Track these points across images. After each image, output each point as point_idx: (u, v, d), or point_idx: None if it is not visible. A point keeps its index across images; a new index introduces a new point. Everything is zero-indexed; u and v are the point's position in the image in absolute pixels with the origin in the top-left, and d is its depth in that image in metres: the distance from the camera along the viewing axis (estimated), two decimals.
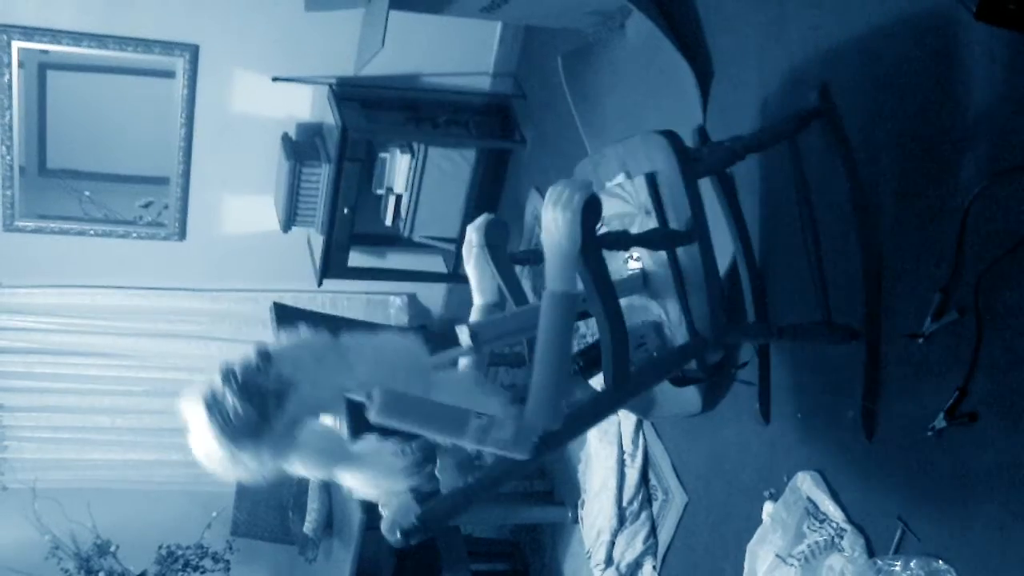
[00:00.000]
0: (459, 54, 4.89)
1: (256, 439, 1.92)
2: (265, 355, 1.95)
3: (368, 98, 4.81)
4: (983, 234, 2.26)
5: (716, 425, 3.27)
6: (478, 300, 2.39)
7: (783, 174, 2.79)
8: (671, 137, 2.33)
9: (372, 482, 2.07)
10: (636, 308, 2.44)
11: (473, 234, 2.34)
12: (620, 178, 2.45)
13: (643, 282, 2.44)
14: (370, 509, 3.80)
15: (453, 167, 4.79)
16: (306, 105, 4.90)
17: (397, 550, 4.18)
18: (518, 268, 2.50)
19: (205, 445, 1.93)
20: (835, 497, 2.73)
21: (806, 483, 2.81)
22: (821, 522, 2.74)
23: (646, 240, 2.33)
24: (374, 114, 4.79)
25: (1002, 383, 2.21)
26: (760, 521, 2.97)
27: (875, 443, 2.59)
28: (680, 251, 2.32)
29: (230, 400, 1.90)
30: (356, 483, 2.08)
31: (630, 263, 2.48)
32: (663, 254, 2.35)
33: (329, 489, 4.26)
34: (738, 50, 3.20)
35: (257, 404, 1.91)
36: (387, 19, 3.69)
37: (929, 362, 2.41)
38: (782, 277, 2.94)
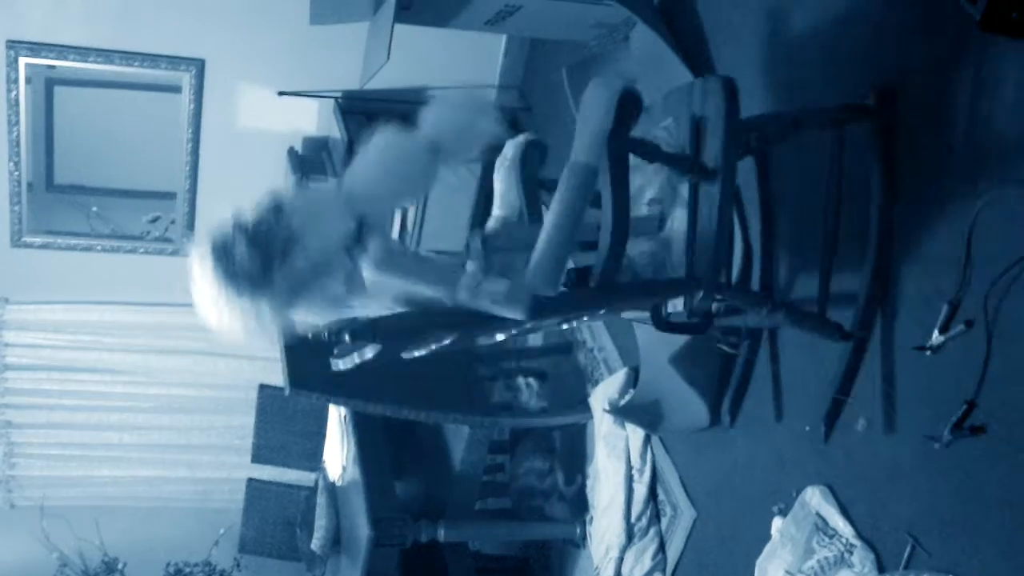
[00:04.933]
0: (464, 67, 4.88)
1: (257, 289, 1.92)
2: (277, 206, 1.95)
3: (374, 111, 4.80)
4: (991, 246, 2.23)
5: (724, 440, 3.24)
6: (497, 212, 2.39)
7: (807, 167, 2.76)
8: (727, 81, 2.32)
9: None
10: (644, 252, 2.42)
11: (511, 149, 2.35)
12: (668, 121, 2.43)
13: (658, 226, 2.42)
14: (378, 525, 3.77)
15: (459, 180, 4.75)
16: (312, 119, 4.90)
17: (403, 566, 4.15)
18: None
19: (206, 289, 1.94)
20: (844, 512, 2.69)
21: (815, 498, 2.78)
22: (831, 537, 2.71)
23: (675, 160, 2.30)
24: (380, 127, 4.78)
25: (1011, 396, 2.18)
26: (769, 537, 2.94)
27: (883, 457, 2.56)
28: (702, 191, 2.30)
29: (238, 247, 1.89)
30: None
31: (650, 208, 2.46)
32: (682, 204, 2.32)
33: (336, 506, 4.24)
34: (742, 61, 3.19)
35: (263, 253, 1.91)
36: (392, 32, 3.69)
37: (937, 375, 2.38)
38: (788, 267, 2.93)
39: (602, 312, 2.40)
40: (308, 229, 1.97)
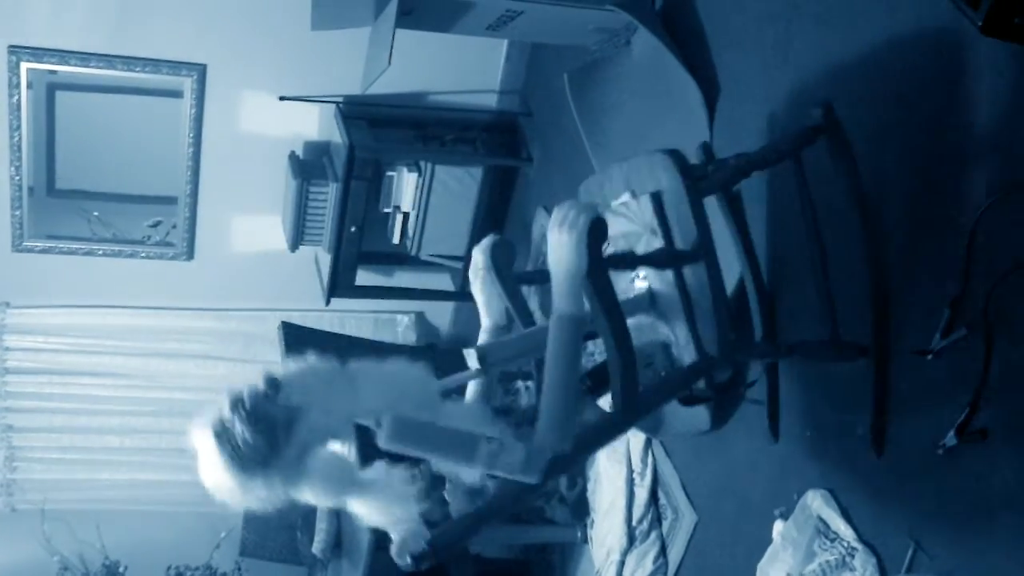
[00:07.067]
0: (466, 72, 4.90)
1: (266, 468, 1.90)
2: (273, 382, 1.91)
3: (375, 116, 4.82)
4: (992, 249, 2.24)
5: (725, 443, 3.24)
6: (485, 322, 2.37)
7: (789, 191, 2.77)
8: (675, 156, 2.32)
9: (383, 509, 2.04)
10: (644, 328, 2.42)
11: (479, 256, 2.33)
12: (625, 197, 2.44)
13: (650, 301, 2.42)
14: (379, 530, 3.77)
15: (460, 185, 4.79)
16: (313, 124, 4.91)
17: (407, 573, 4.15)
18: (524, 289, 2.48)
19: (215, 475, 1.90)
20: (846, 516, 2.70)
21: (816, 501, 2.79)
22: (832, 541, 2.72)
23: (652, 260, 2.31)
24: (381, 132, 4.80)
25: (1013, 399, 2.19)
26: (770, 540, 2.94)
27: (885, 461, 2.57)
28: (687, 270, 2.31)
29: (239, 429, 1.86)
30: (366, 510, 2.05)
31: (636, 282, 2.46)
32: (670, 273, 2.33)
33: (338, 510, 4.25)
34: (744, 66, 3.20)
35: (266, 433, 1.88)
36: (393, 37, 3.69)
37: (939, 379, 2.38)
38: (790, 295, 2.92)
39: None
40: (311, 404, 1.95)
